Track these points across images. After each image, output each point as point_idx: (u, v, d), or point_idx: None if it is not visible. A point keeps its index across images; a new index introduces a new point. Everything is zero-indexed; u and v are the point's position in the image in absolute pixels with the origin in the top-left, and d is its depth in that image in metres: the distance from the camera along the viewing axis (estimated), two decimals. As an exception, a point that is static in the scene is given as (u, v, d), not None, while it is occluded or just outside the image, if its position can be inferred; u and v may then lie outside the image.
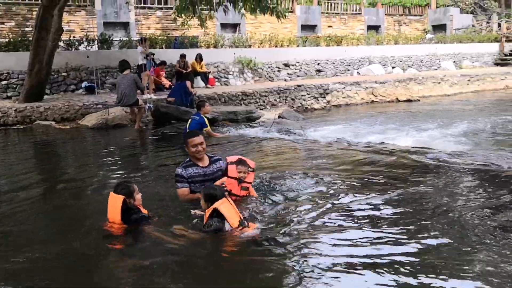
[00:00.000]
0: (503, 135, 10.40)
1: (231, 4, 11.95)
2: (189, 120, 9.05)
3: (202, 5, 12.51)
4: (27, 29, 17.19)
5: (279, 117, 12.24)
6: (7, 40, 14.95)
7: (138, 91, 11.07)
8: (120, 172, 6.73)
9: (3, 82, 13.52)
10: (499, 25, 27.23)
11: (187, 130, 8.79)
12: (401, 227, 4.15)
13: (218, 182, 4.66)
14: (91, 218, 4.61)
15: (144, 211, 4.27)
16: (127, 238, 4.09)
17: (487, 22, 28.15)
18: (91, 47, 15.53)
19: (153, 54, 14.71)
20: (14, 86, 13.56)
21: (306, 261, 3.54)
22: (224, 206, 3.94)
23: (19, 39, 14.91)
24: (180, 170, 4.85)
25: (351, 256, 3.60)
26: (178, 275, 3.44)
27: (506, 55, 25.65)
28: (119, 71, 11.40)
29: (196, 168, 4.85)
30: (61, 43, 14.79)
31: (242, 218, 4.02)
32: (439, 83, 19.56)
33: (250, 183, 4.80)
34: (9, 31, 17.07)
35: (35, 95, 12.36)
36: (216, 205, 3.93)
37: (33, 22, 14.51)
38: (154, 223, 4.24)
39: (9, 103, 12.19)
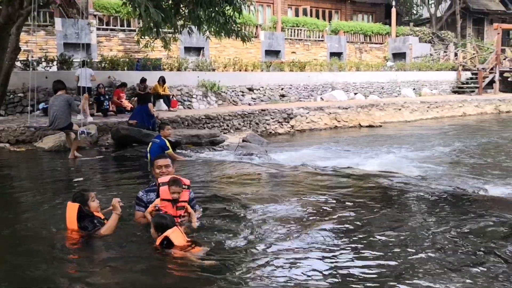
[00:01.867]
0: (462, 158, 10.55)
1: (196, 26, 11.78)
2: (150, 143, 8.78)
3: (167, 27, 12.30)
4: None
5: (243, 141, 12.08)
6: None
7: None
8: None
9: (-46, 102, 12.86)
10: (456, 54, 28.18)
11: (148, 153, 8.54)
12: (369, 251, 4.01)
13: (151, 206, 4.49)
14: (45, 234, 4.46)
15: (100, 215, 4.49)
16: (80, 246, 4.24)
17: (445, 52, 29.07)
18: (50, 68, 15.06)
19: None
20: (-34, 106, 12.93)
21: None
22: (175, 234, 3.93)
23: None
24: (141, 193, 4.74)
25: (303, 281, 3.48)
26: None
27: (463, 83, 26.47)
28: (53, 91, 9.90)
29: (158, 193, 4.64)
30: (18, 63, 14.28)
31: (191, 245, 3.98)
32: (400, 109, 19.92)
33: (186, 201, 4.60)
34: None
35: (-12, 116, 11.81)
36: (167, 233, 3.91)
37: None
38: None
39: (-40, 124, 11.60)
